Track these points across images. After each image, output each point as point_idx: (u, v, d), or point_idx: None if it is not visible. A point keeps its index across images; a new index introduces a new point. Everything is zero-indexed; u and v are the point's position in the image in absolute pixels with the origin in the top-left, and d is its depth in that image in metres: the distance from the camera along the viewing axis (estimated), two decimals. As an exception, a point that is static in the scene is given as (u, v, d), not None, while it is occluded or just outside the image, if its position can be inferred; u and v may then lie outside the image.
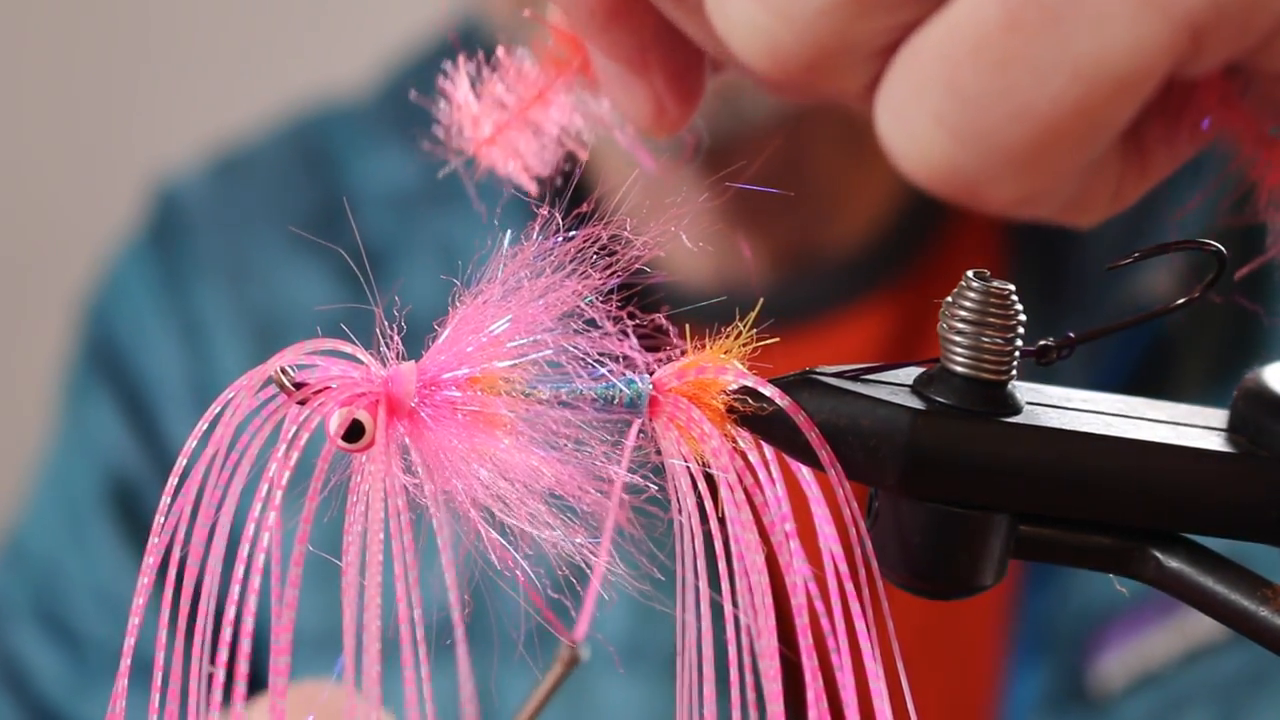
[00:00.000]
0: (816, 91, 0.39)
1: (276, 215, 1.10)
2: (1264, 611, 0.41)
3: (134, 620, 0.43)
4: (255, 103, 1.32)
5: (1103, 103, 0.35)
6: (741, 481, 0.43)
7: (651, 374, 0.43)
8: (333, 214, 1.07)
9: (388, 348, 0.43)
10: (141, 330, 1.09)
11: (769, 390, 0.42)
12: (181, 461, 0.43)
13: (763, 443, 0.43)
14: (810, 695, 0.42)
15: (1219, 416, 0.43)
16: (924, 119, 0.36)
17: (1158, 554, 0.42)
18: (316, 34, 1.87)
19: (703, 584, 0.43)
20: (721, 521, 0.43)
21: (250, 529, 0.42)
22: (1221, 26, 0.34)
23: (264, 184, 1.12)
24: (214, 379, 1.05)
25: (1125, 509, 0.42)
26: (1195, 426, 0.42)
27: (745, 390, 0.43)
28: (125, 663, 0.43)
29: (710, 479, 0.43)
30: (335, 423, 0.42)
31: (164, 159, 1.20)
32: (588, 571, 0.44)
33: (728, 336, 0.43)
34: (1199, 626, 0.93)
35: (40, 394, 1.17)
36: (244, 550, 0.42)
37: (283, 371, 0.42)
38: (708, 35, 0.40)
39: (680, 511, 0.43)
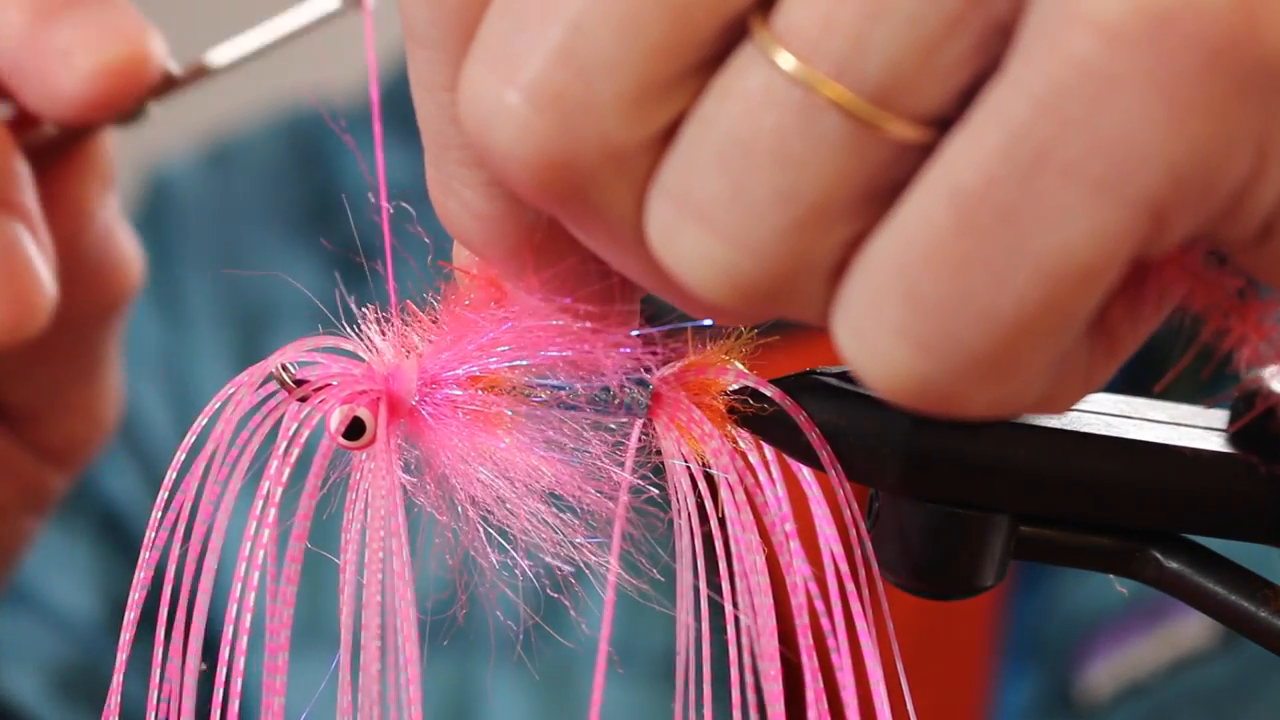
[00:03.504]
0: (768, 318, 0.38)
1: (268, 207, 1.10)
2: (1264, 612, 0.41)
3: (130, 614, 0.43)
4: (249, 93, 1.31)
5: (1068, 297, 0.34)
6: (742, 481, 0.43)
7: (652, 374, 0.43)
8: (325, 208, 1.07)
9: (387, 344, 0.43)
10: None
11: (770, 390, 0.42)
12: (180, 456, 0.43)
13: (763, 443, 0.43)
14: (810, 696, 0.42)
15: (1219, 417, 0.43)
16: (885, 333, 0.34)
17: (1158, 554, 0.43)
18: (315, 29, 1.86)
19: (702, 584, 0.43)
20: (722, 522, 0.43)
21: (250, 527, 0.42)
22: (1182, 202, 0.33)
23: (257, 176, 1.12)
24: (189, 361, 1.05)
25: (1125, 510, 0.42)
26: (1195, 427, 0.42)
27: (746, 390, 0.43)
28: (122, 656, 0.43)
29: (711, 479, 0.43)
30: (336, 420, 0.42)
31: (157, 146, 1.20)
32: (586, 571, 0.44)
33: (729, 337, 0.43)
34: (1186, 635, 0.93)
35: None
36: (244, 548, 0.42)
37: (283, 368, 0.42)
38: (648, 273, 0.38)
39: (680, 512, 0.43)
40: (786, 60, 0.34)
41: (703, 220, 0.35)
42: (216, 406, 0.43)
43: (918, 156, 0.34)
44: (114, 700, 0.44)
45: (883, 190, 0.35)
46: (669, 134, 0.36)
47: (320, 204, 1.08)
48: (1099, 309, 0.35)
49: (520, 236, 0.39)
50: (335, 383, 0.43)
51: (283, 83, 1.29)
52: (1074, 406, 0.39)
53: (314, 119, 1.15)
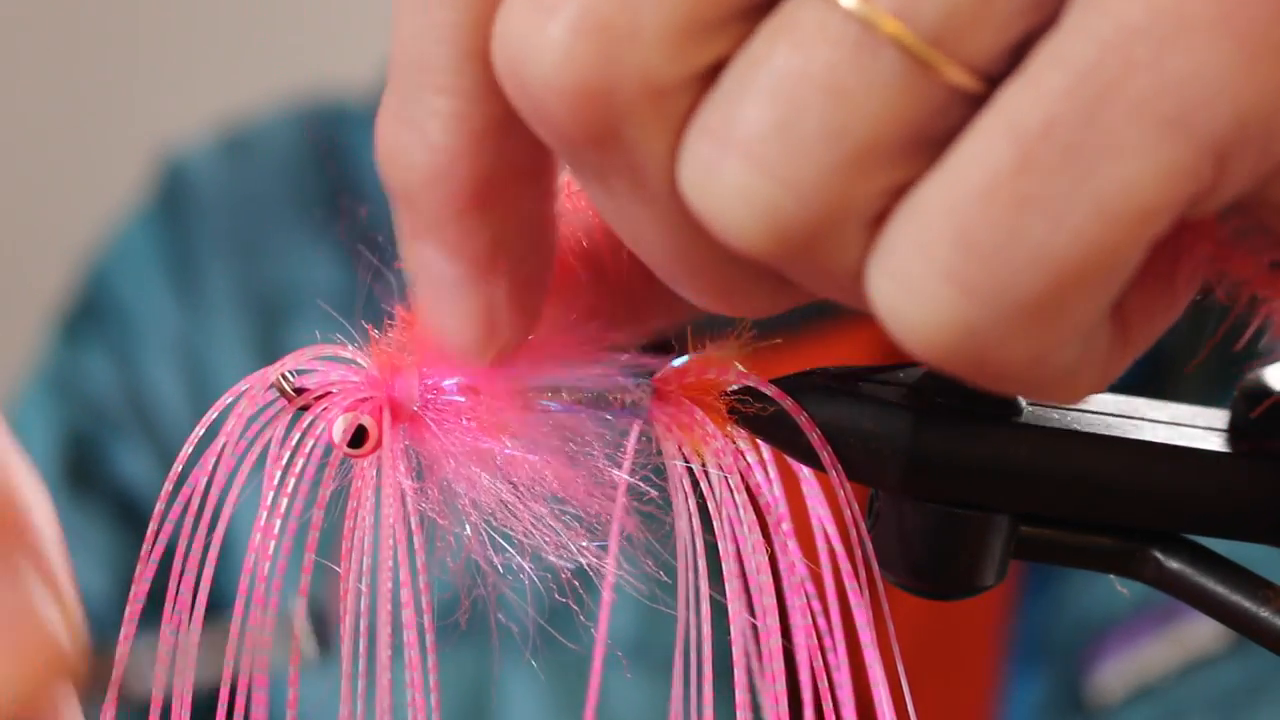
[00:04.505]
0: (804, 275, 0.37)
1: (284, 197, 1.10)
2: (1265, 612, 0.41)
3: (130, 622, 0.43)
4: (266, 83, 1.32)
5: (1125, 237, 0.33)
6: (744, 482, 0.43)
7: (653, 375, 0.43)
8: (341, 200, 1.08)
9: (389, 348, 0.43)
10: (139, 284, 1.09)
11: (770, 390, 0.42)
12: (177, 468, 0.43)
13: (763, 444, 0.43)
14: (808, 697, 0.42)
15: (1219, 417, 0.43)
16: (932, 277, 0.34)
17: (1158, 555, 0.43)
18: (332, 19, 1.87)
19: (703, 586, 0.43)
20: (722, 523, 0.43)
21: (254, 536, 0.42)
22: (1244, 146, 0.33)
23: (273, 165, 1.13)
24: (206, 347, 1.06)
25: (1126, 510, 0.42)
26: (1196, 427, 0.43)
27: (746, 391, 0.43)
28: (121, 652, 0.43)
29: (711, 479, 0.43)
30: (339, 429, 0.42)
31: (173, 132, 1.21)
32: (590, 573, 0.44)
33: (730, 338, 0.43)
34: (1197, 637, 0.93)
35: (34, 356, 1.16)
36: (249, 559, 0.42)
37: (283, 377, 0.42)
38: (664, 235, 0.37)
39: (680, 513, 0.43)
40: None
41: (747, 155, 0.34)
42: (215, 416, 0.43)
43: (968, 109, 0.34)
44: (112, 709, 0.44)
45: (932, 138, 0.34)
46: (710, 76, 0.35)
47: (336, 195, 1.09)
48: (1131, 280, 0.35)
49: (468, 182, 0.38)
50: (336, 390, 0.43)
51: (299, 73, 1.30)
52: (1085, 399, 0.38)
53: (330, 111, 1.16)
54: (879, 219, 0.35)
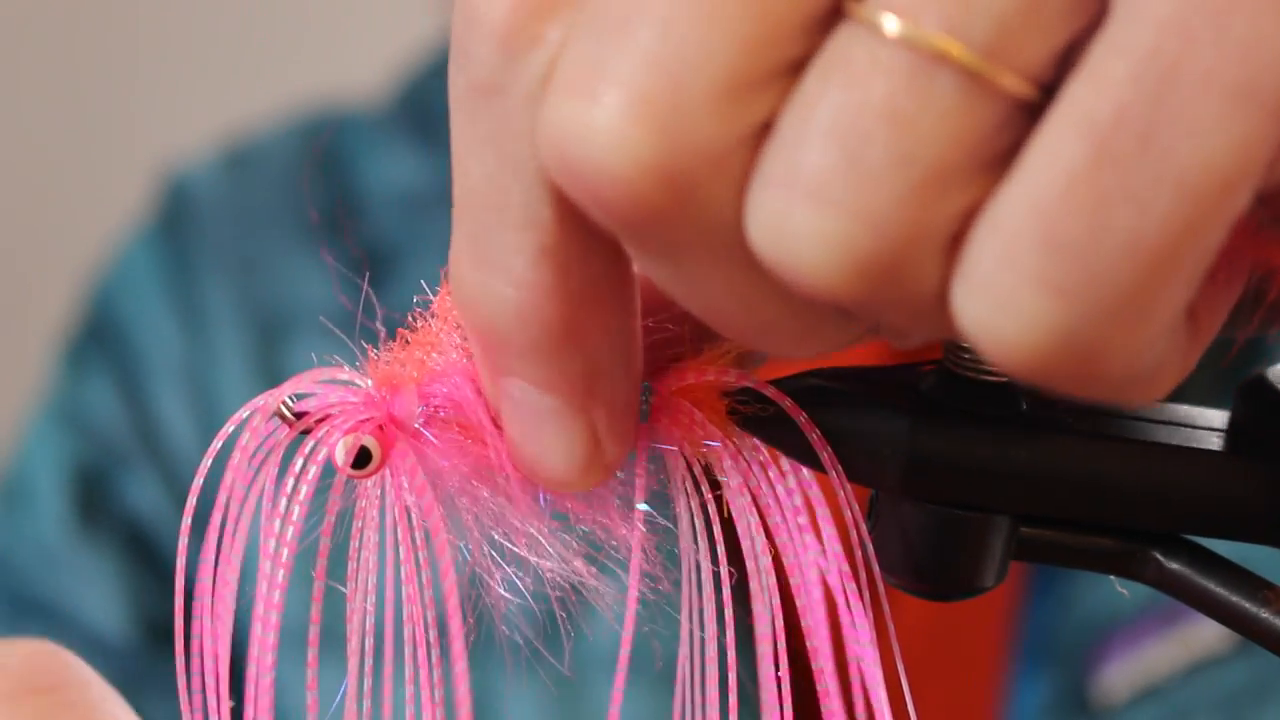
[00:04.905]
0: (884, 309, 0.36)
1: (286, 211, 1.10)
2: (1265, 613, 0.41)
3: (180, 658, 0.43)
4: (267, 97, 1.32)
5: (1211, 214, 0.33)
6: (746, 484, 0.43)
7: (651, 378, 0.43)
8: (342, 213, 1.08)
9: (389, 364, 0.43)
10: (142, 309, 1.09)
11: (769, 391, 0.42)
12: (191, 501, 0.43)
13: (763, 445, 0.43)
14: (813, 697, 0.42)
15: (1220, 417, 0.43)
16: (1023, 286, 0.33)
17: (1158, 555, 0.43)
18: (332, 32, 1.87)
19: (707, 591, 0.43)
20: (725, 524, 0.43)
21: (263, 563, 0.42)
22: None
23: (274, 179, 1.13)
24: (210, 369, 1.06)
25: (1126, 511, 0.42)
26: (1196, 428, 0.43)
27: (746, 391, 0.43)
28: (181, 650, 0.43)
29: (712, 482, 0.43)
30: (342, 452, 0.42)
31: (174, 149, 1.21)
32: (593, 579, 0.44)
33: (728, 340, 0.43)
34: (1202, 637, 0.93)
35: (40, 379, 1.17)
36: (261, 589, 0.42)
37: (284, 404, 0.42)
38: (738, 299, 0.37)
39: (683, 516, 0.43)
40: (891, 23, 0.33)
41: (816, 197, 0.34)
42: (220, 448, 0.43)
43: (1027, 120, 0.34)
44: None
45: (997, 153, 0.34)
46: (764, 132, 0.35)
47: (338, 207, 1.09)
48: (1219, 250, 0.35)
49: (560, 312, 0.38)
50: (336, 412, 0.42)
51: (299, 85, 1.30)
52: (1167, 391, 0.38)
53: (331, 122, 1.16)
54: (956, 241, 0.35)
